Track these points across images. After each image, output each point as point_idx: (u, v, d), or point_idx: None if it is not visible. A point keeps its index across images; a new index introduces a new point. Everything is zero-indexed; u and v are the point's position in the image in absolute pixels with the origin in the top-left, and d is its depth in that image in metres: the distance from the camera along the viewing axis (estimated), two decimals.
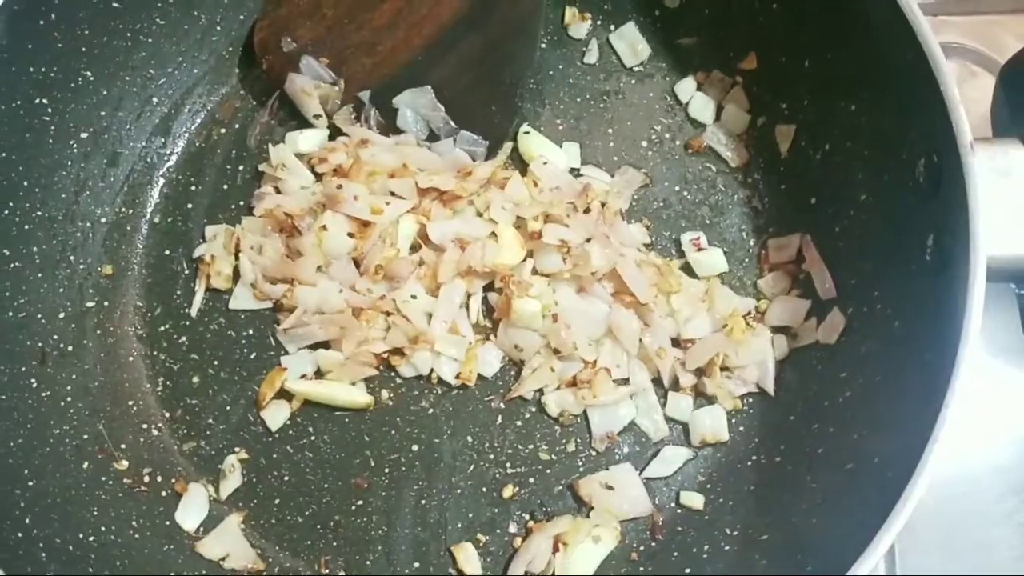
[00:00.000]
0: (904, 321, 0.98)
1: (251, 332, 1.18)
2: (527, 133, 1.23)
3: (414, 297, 1.14)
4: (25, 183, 1.09)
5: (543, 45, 1.27)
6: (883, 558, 0.86)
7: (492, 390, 1.15)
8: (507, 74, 1.18)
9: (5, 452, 0.99)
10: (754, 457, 1.09)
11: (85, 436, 1.09)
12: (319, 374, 1.16)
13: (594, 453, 1.12)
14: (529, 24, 1.17)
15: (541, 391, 1.13)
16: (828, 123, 1.11)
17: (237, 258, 1.19)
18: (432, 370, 1.14)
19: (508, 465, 1.12)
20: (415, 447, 1.12)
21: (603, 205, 1.16)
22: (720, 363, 1.11)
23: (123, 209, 1.21)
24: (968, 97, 0.91)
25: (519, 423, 1.13)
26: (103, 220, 1.19)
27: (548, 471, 1.12)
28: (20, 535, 0.94)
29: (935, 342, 0.88)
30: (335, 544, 1.10)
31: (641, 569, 1.07)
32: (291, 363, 1.15)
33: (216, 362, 1.17)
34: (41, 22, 1.07)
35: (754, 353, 1.11)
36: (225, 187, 1.24)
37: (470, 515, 1.10)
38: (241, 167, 1.24)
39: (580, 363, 1.12)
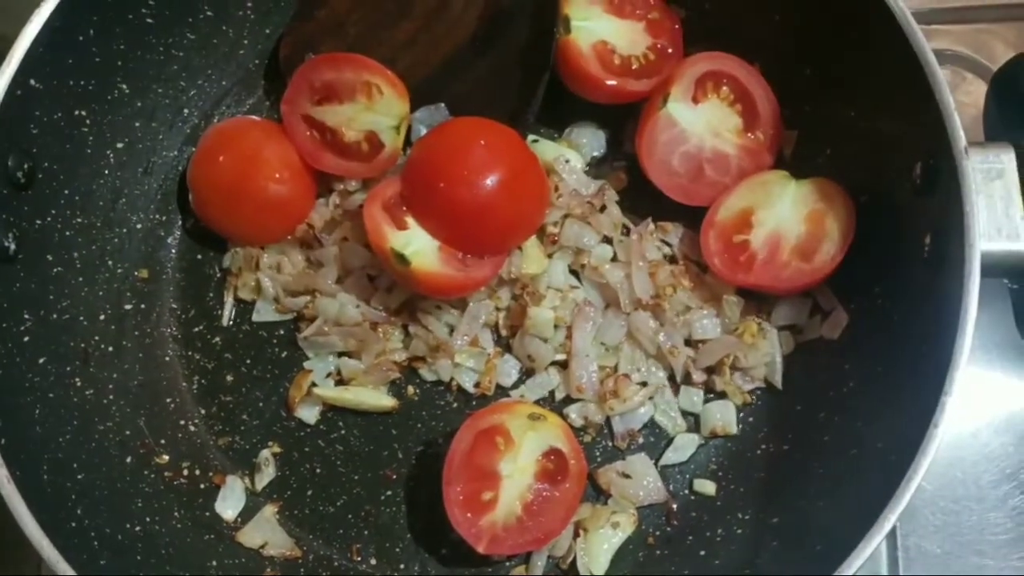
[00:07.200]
0: (904, 316, 1.03)
1: (282, 332, 1.23)
2: (536, 142, 1.26)
3: (438, 307, 1.19)
4: (66, 191, 1.14)
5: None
6: (885, 540, 0.91)
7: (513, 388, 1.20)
8: (515, 94, 1.21)
9: (55, 447, 1.04)
10: (763, 446, 1.15)
11: (127, 432, 1.14)
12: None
13: (610, 444, 1.17)
14: (540, 44, 1.20)
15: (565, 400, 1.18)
16: (829, 129, 1.17)
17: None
18: (452, 378, 1.19)
19: None
20: (441, 440, 1.17)
21: (618, 203, 1.21)
22: (730, 364, 1.16)
23: (157, 216, 1.26)
24: (960, 101, 0.97)
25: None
26: (139, 226, 1.23)
27: None
28: (74, 525, 0.99)
29: (934, 334, 0.93)
30: (366, 532, 1.15)
31: (658, 553, 1.12)
32: (315, 365, 1.20)
33: (248, 361, 1.22)
34: (80, 38, 1.11)
35: (763, 355, 1.15)
36: None
37: None
38: None
39: (589, 372, 1.16)
